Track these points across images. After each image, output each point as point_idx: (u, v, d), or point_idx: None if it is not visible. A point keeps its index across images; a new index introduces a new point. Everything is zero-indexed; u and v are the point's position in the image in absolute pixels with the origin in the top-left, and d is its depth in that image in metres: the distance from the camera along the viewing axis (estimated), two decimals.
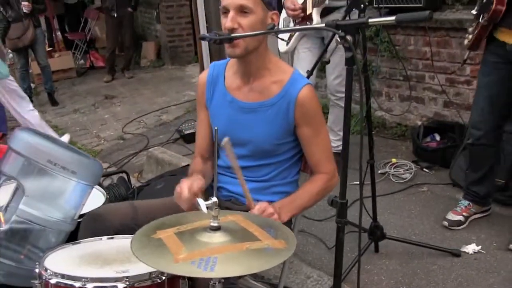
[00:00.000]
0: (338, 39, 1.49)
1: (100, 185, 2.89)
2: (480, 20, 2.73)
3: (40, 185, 1.83)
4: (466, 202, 3.12)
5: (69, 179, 1.85)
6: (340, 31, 1.48)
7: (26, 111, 5.07)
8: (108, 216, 2.06)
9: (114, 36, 8.15)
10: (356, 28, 1.50)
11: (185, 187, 1.81)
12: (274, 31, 1.80)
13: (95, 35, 10.83)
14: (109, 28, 8.18)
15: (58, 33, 10.24)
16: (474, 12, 2.82)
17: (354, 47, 1.47)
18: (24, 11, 6.51)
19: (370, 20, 1.47)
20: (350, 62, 1.49)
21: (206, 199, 1.59)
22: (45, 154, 1.79)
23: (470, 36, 2.85)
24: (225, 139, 1.64)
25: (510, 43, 2.67)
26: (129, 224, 2.03)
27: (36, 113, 5.19)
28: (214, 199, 1.54)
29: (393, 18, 1.43)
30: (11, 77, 5.02)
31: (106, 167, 4.63)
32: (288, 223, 2.00)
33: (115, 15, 7.84)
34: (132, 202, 2.21)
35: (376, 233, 2.83)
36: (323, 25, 1.52)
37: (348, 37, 1.47)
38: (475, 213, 3.13)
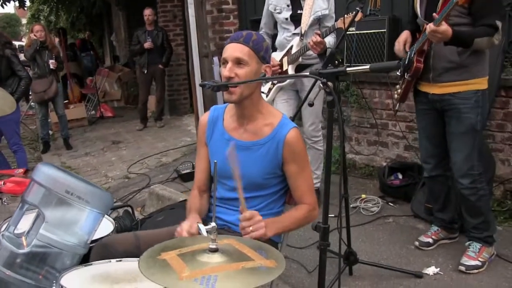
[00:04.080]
0: (321, 85, 1.49)
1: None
2: (405, 76, 2.86)
3: (58, 213, 1.78)
4: (435, 228, 3.17)
5: (83, 207, 1.80)
6: (322, 78, 1.49)
7: None
8: (114, 245, 1.99)
9: (146, 90, 7.88)
10: (336, 76, 1.51)
11: (185, 230, 1.78)
12: (262, 78, 1.80)
13: (105, 90, 10.86)
14: (141, 82, 7.93)
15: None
16: (398, 73, 2.94)
17: (335, 92, 1.48)
18: (51, 67, 6.55)
19: (348, 68, 1.48)
20: (331, 104, 1.49)
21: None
22: (63, 185, 1.76)
23: (399, 91, 2.98)
24: (232, 144, 1.60)
25: (430, 93, 2.80)
26: (133, 251, 1.96)
27: None
28: (213, 224, 1.51)
29: (367, 66, 1.45)
30: None
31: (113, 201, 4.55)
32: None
33: (146, 71, 7.63)
34: (136, 233, 2.14)
35: (350, 258, 2.80)
36: (308, 73, 1.53)
37: (329, 83, 1.48)
38: (443, 238, 3.15)
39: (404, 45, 2.86)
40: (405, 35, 2.90)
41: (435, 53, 2.71)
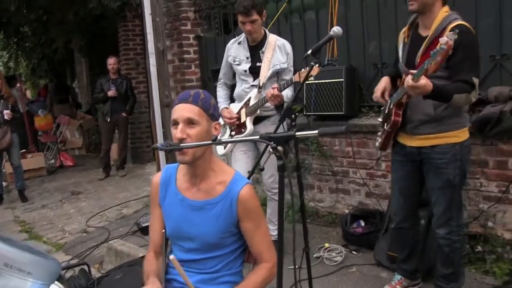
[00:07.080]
0: (271, 150, 1.47)
1: (61, 277, 2.69)
2: (385, 127, 2.86)
3: None
4: (398, 277, 3.14)
5: (25, 279, 1.68)
6: (272, 143, 1.47)
7: None
8: None
9: (108, 138, 7.73)
10: (286, 140, 1.50)
11: None
12: (217, 142, 1.77)
13: (65, 138, 10.65)
14: (104, 130, 7.80)
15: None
16: (379, 119, 2.96)
17: (285, 156, 1.46)
18: (5, 118, 6.37)
19: (297, 133, 1.47)
20: (281, 169, 1.47)
21: None
22: (2, 258, 1.64)
23: (379, 139, 2.95)
24: (171, 257, 1.55)
25: (408, 145, 2.78)
26: None
27: None
28: None
29: (316, 132, 1.44)
30: None
31: (69, 259, 4.37)
32: None
33: (109, 119, 7.53)
34: None
35: None
36: (258, 137, 1.51)
37: (279, 148, 1.46)
38: (407, 286, 3.12)
39: (383, 93, 2.83)
40: (383, 83, 2.87)
41: (411, 105, 2.68)
